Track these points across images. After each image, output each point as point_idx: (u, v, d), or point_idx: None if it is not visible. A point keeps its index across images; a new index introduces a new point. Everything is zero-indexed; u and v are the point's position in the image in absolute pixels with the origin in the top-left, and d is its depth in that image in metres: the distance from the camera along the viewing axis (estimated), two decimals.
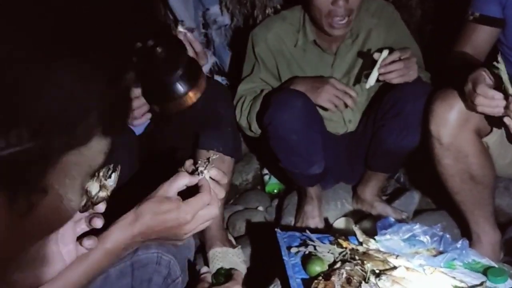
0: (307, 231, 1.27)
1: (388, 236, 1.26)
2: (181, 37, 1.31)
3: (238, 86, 1.72)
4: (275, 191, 2.01)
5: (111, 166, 0.74)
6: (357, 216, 1.77)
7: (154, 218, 0.80)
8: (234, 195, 2.04)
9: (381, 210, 1.69)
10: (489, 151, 1.39)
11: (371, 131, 1.62)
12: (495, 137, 1.37)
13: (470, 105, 1.24)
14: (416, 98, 1.42)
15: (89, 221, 0.75)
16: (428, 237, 1.23)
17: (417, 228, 1.25)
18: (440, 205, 1.71)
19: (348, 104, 1.49)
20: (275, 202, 1.95)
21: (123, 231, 0.80)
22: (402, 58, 1.42)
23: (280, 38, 1.65)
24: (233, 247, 1.56)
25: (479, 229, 1.45)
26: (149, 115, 1.32)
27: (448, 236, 1.22)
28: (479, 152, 1.35)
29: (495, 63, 1.18)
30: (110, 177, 0.74)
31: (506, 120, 1.18)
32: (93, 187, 0.73)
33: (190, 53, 1.34)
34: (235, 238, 1.74)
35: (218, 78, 1.90)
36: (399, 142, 1.51)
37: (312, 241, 1.22)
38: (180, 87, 1.14)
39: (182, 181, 0.82)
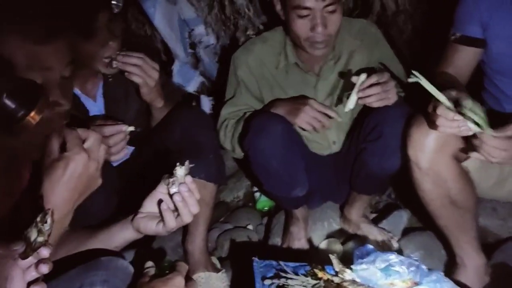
0: (282, 262, 1.26)
1: (364, 266, 1.25)
2: None
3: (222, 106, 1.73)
4: (266, 208, 2.01)
5: (47, 210, 0.77)
6: (344, 236, 1.76)
7: None
8: (225, 212, 2.04)
9: (367, 231, 1.68)
10: (470, 175, 1.36)
11: (354, 152, 1.60)
12: (475, 161, 1.34)
13: (433, 126, 1.21)
14: (396, 121, 1.40)
15: (36, 267, 0.76)
16: (404, 267, 1.22)
17: (393, 258, 1.24)
18: (429, 223, 1.69)
19: (326, 126, 1.49)
20: (266, 220, 1.95)
21: None
22: (380, 81, 1.40)
23: (261, 61, 1.64)
24: (217, 271, 1.57)
25: (462, 253, 1.42)
26: (127, 151, 1.33)
27: (424, 267, 1.20)
28: (458, 176, 1.33)
29: (409, 78, 1.18)
30: (46, 222, 0.77)
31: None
32: (32, 233, 0.76)
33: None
34: (224, 258, 1.75)
35: (204, 98, 1.91)
36: (381, 165, 1.49)
37: (287, 272, 1.22)
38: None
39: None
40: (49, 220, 0.77)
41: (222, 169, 1.60)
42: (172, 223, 0.99)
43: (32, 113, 0.83)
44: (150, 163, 1.50)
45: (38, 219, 0.76)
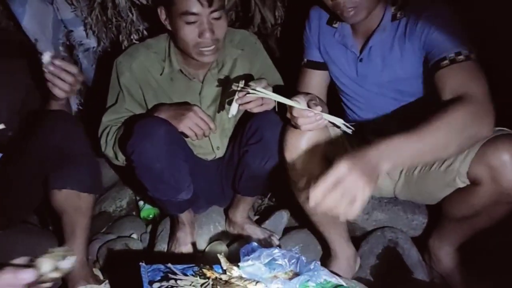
0: (170, 265, 1.26)
1: (250, 262, 1.30)
2: (48, 69, 1.26)
3: (103, 111, 1.67)
4: (151, 216, 1.98)
5: (70, 249, 0.72)
6: (229, 238, 1.81)
7: None
8: (107, 222, 1.96)
9: (251, 232, 1.76)
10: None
11: (237, 156, 1.67)
12: None
13: (297, 127, 1.32)
14: (274, 125, 1.50)
15: None
16: (286, 260, 1.30)
17: (276, 252, 1.31)
18: (306, 222, 1.82)
19: (206, 134, 1.53)
20: (150, 228, 1.92)
21: None
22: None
23: (145, 67, 1.63)
24: (99, 282, 1.51)
25: (335, 246, 1.57)
26: None
27: (303, 258, 1.29)
28: None
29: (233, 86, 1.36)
30: (66, 259, 0.71)
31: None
32: (46, 265, 0.69)
33: (69, 79, 1.31)
34: (105, 270, 1.67)
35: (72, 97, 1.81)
36: (262, 167, 1.58)
37: (175, 274, 1.22)
38: None
39: None
40: (71, 260, 0.70)
41: (98, 179, 1.55)
42: None
43: None
44: (20, 171, 1.40)
45: (58, 252, 0.69)
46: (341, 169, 1.02)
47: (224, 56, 1.66)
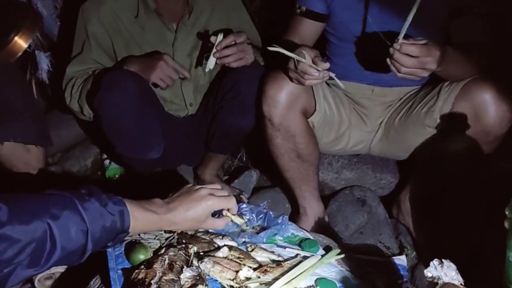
0: None
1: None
2: None
3: (67, 64, 1.58)
4: (116, 176, 1.92)
5: None
6: None
7: None
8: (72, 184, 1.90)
9: None
10: (314, 130, 1.49)
11: (211, 113, 1.63)
12: (319, 117, 1.48)
13: (297, 82, 1.31)
14: (252, 81, 1.46)
15: None
16: (254, 215, 1.28)
17: (244, 207, 1.29)
18: (275, 182, 1.81)
19: (174, 79, 1.47)
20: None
21: None
22: (237, 42, 1.43)
23: (115, 13, 1.54)
24: None
25: (305, 203, 1.57)
26: None
27: (271, 213, 1.28)
28: (305, 132, 1.45)
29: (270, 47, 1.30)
30: None
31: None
32: None
33: None
34: None
35: (41, 54, 1.72)
36: (237, 124, 1.54)
37: None
38: None
39: None
40: None
41: (44, 130, 1.49)
42: None
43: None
44: None
45: None
46: None
47: (201, 8, 1.58)
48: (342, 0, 1.48)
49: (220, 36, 1.43)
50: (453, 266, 0.87)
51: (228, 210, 1.12)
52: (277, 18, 1.93)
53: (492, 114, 1.27)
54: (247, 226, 1.22)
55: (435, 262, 0.87)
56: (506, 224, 0.81)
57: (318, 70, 1.26)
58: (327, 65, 1.26)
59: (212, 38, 1.44)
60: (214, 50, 1.42)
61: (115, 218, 0.91)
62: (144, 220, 0.97)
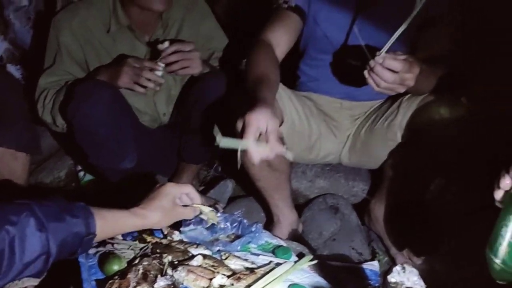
0: None
1: (192, 226, 1.29)
2: None
3: (40, 75, 1.58)
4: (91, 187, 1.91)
5: None
6: None
7: None
8: (43, 195, 1.88)
9: None
10: (284, 140, 1.52)
11: (182, 122, 1.64)
12: (287, 127, 1.51)
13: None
14: (218, 88, 1.48)
15: None
16: (228, 223, 1.30)
17: (218, 216, 1.31)
18: (251, 191, 1.83)
19: (149, 77, 1.46)
20: None
21: None
22: (182, 50, 1.46)
23: (87, 26, 1.55)
24: None
25: (278, 211, 1.59)
26: None
27: (245, 221, 1.30)
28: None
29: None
30: None
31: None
32: None
33: None
34: None
35: (11, 67, 1.71)
36: (207, 132, 1.55)
37: (113, 238, 1.19)
38: None
39: None
40: None
41: (35, 139, 1.48)
42: None
43: None
44: None
45: None
46: None
47: (172, 18, 1.61)
48: (328, 10, 1.51)
49: (166, 44, 1.47)
50: (415, 271, 0.90)
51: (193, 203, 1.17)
52: (249, 25, 1.95)
53: (442, 128, 1.29)
54: (217, 218, 1.25)
55: (398, 267, 0.91)
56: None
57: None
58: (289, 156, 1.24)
59: (159, 46, 1.48)
60: (161, 56, 1.46)
61: (79, 221, 0.92)
62: (114, 217, 1.00)
